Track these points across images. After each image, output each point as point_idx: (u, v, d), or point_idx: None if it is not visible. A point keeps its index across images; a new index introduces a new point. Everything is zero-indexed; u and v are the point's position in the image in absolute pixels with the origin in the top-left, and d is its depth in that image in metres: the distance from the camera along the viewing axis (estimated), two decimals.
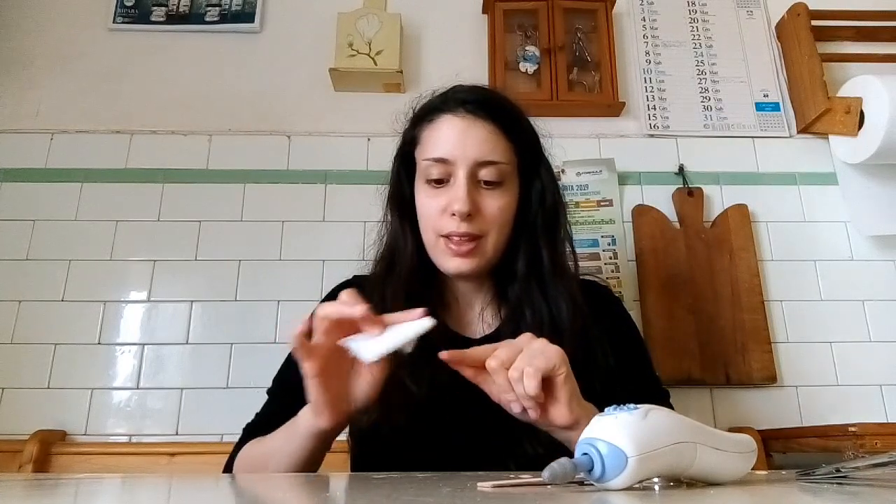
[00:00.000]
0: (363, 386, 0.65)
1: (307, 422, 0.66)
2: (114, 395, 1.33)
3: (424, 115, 0.85)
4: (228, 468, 0.80)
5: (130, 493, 0.52)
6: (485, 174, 0.79)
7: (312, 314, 0.62)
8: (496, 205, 0.80)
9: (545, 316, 0.80)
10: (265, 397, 0.89)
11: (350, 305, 0.60)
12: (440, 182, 0.80)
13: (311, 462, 0.70)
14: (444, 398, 0.72)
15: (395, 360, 0.64)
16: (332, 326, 0.61)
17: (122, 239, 1.43)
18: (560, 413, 0.61)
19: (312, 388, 0.63)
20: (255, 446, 0.78)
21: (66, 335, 1.36)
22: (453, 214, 0.78)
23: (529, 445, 0.71)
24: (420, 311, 0.59)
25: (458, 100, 0.82)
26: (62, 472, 1.19)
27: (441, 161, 0.79)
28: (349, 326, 0.61)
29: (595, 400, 0.64)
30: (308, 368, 0.62)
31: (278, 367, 0.89)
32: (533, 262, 0.83)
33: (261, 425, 0.81)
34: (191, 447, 1.27)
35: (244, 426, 0.86)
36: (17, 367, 1.33)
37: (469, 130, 0.80)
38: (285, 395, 0.84)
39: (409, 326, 0.59)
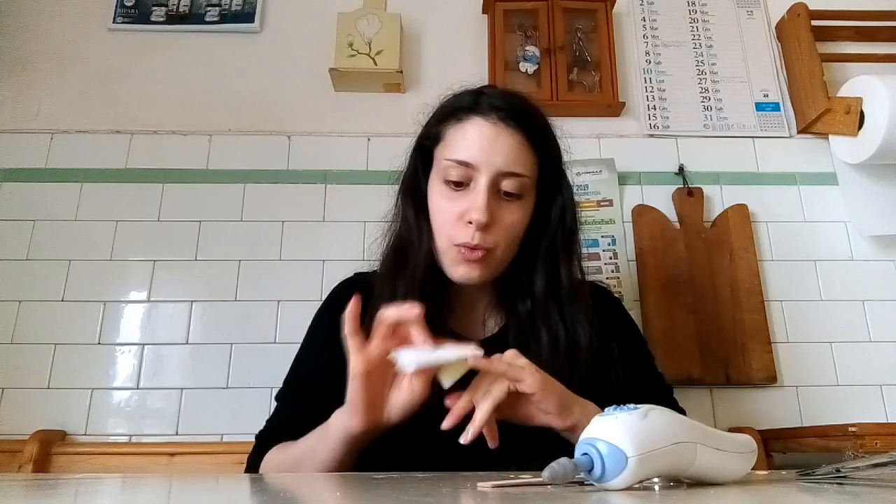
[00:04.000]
0: (400, 401, 0.65)
1: (339, 423, 0.67)
2: (114, 395, 1.33)
3: (452, 112, 0.82)
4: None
5: (130, 493, 0.52)
6: (506, 185, 0.78)
7: (363, 298, 0.66)
8: (511, 218, 0.79)
9: (562, 337, 0.79)
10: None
11: (409, 310, 0.63)
12: (459, 185, 0.79)
13: (340, 468, 0.69)
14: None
15: (437, 389, 0.65)
16: (389, 332, 0.63)
17: (122, 239, 1.43)
18: (553, 421, 0.66)
19: (354, 387, 0.63)
20: (281, 452, 0.77)
21: (66, 335, 1.36)
22: (469, 222, 0.76)
23: (531, 448, 0.71)
24: (474, 344, 0.62)
25: (490, 104, 0.80)
26: (62, 472, 1.19)
27: (464, 164, 0.78)
28: (405, 336, 0.63)
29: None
30: (356, 366, 0.62)
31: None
32: (552, 282, 0.82)
33: (277, 432, 0.80)
34: (191, 447, 1.27)
35: (257, 434, 0.84)
36: (17, 367, 1.33)
37: (498, 138, 0.78)
38: (298, 399, 0.84)
39: (455, 350, 0.61)
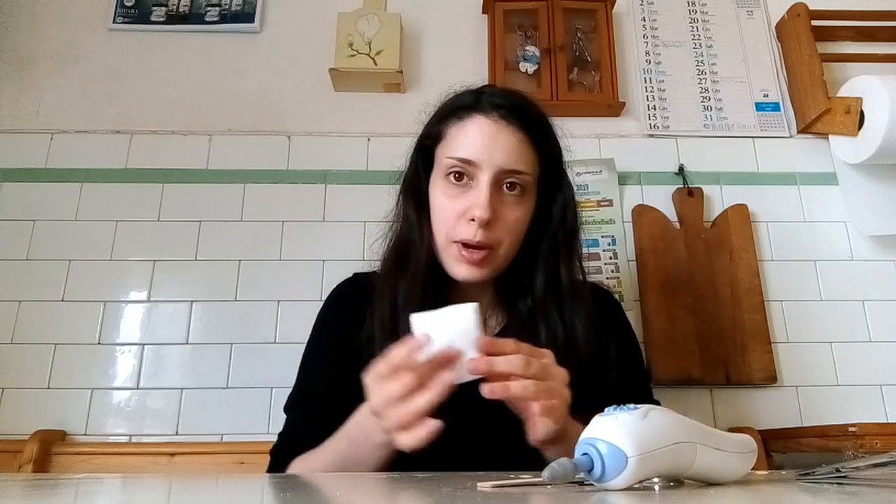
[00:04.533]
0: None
1: (380, 439, 0.65)
2: (114, 395, 1.33)
3: (453, 111, 0.83)
4: None
5: (130, 493, 0.52)
6: (508, 183, 0.78)
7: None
8: (514, 215, 0.79)
9: (560, 335, 0.79)
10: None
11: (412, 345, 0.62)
12: (460, 183, 0.79)
13: (377, 470, 0.69)
14: (454, 398, 0.72)
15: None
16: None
17: (122, 239, 1.43)
18: (534, 439, 0.64)
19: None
20: (304, 464, 0.75)
21: (66, 335, 1.36)
22: (472, 220, 0.76)
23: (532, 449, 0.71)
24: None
25: (491, 102, 0.80)
26: (62, 472, 1.19)
27: (466, 162, 0.78)
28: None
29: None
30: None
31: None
32: (552, 280, 0.82)
33: (292, 445, 0.79)
34: (191, 447, 1.27)
35: (271, 449, 0.83)
36: (17, 367, 1.33)
37: (499, 136, 0.78)
38: (309, 409, 0.83)
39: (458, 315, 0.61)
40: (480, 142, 0.78)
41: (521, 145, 0.79)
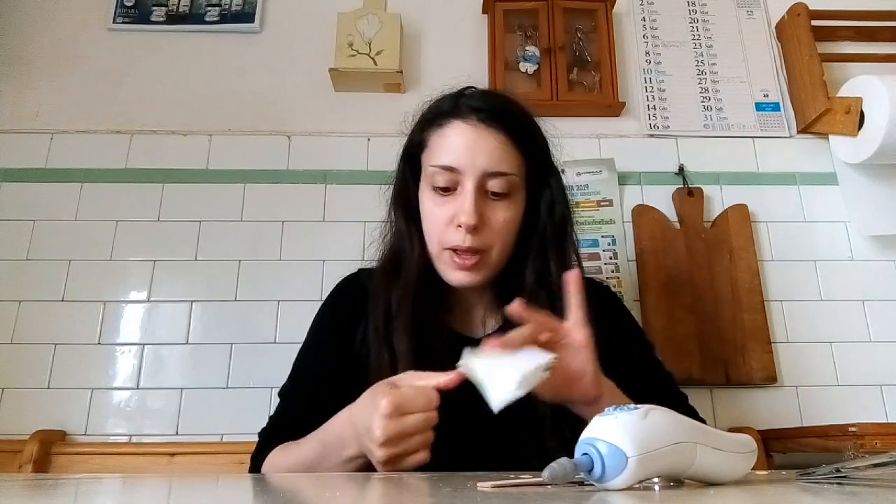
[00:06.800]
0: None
1: (358, 449, 0.66)
2: (114, 395, 1.33)
3: (434, 118, 0.83)
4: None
5: (130, 493, 0.52)
6: (493, 185, 0.78)
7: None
8: (502, 217, 0.79)
9: None
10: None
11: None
12: (446, 190, 0.79)
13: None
14: (456, 398, 0.72)
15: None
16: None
17: (122, 239, 1.43)
18: (586, 387, 0.67)
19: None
20: (283, 456, 0.76)
21: (66, 335, 1.36)
22: (459, 226, 0.77)
23: (552, 441, 0.72)
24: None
25: (470, 107, 0.80)
26: (62, 472, 1.19)
27: (449, 169, 0.78)
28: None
29: None
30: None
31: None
32: (542, 276, 0.82)
33: (281, 430, 0.79)
34: (191, 447, 1.27)
35: (260, 431, 0.84)
36: (17, 367, 1.33)
37: (480, 140, 0.78)
38: (302, 397, 0.83)
39: (533, 359, 0.58)
40: (462, 148, 0.78)
41: (503, 147, 0.79)
